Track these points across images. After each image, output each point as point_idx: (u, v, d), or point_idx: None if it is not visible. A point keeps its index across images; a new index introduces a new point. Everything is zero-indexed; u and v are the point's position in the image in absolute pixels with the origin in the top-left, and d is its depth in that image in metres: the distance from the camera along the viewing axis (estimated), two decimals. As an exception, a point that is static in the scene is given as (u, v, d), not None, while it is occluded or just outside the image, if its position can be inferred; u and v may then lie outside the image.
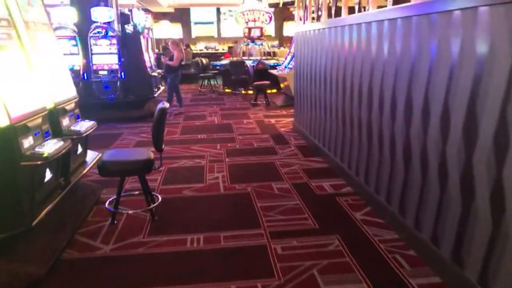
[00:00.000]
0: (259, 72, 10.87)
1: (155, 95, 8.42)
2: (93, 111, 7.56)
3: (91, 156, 3.74)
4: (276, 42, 19.67)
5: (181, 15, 19.92)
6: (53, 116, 3.00)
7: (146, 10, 13.22)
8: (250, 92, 11.03)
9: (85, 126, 3.37)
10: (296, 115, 6.76)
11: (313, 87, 5.53)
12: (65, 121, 3.20)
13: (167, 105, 3.33)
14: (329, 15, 5.04)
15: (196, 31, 20.56)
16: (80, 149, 3.42)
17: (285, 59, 10.24)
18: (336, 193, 3.90)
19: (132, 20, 8.10)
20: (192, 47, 19.26)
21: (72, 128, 3.23)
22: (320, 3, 5.33)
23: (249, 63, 11.08)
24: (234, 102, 9.84)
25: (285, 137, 6.23)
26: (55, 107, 3.01)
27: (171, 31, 19.74)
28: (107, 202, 3.54)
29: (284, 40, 21.05)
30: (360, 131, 3.78)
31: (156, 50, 14.86)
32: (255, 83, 9.13)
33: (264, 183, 4.18)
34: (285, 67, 9.36)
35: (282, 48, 19.00)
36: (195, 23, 20.47)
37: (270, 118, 7.79)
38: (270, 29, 19.26)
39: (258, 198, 3.78)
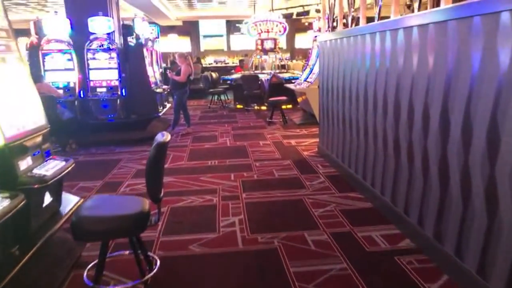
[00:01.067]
0: (274, 86, 9.98)
1: (160, 114, 7.56)
2: (90, 133, 6.78)
3: (69, 203, 2.83)
4: (288, 55, 18.86)
5: (189, 28, 19.27)
6: (4, 158, 2.11)
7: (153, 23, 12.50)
8: (264, 107, 10.15)
9: (55, 167, 2.46)
10: (321, 136, 5.82)
11: (344, 104, 4.60)
12: (25, 163, 2.30)
13: (167, 137, 2.43)
14: (366, 20, 4.13)
15: (205, 44, 19.87)
16: (49, 199, 2.51)
17: (303, 72, 9.34)
18: (393, 249, 2.92)
19: (134, 32, 7.30)
20: (201, 60, 18.55)
21: (36, 171, 2.33)
22: (354, 3, 4.43)
23: (263, 77, 10.22)
24: (247, 120, 8.94)
25: (310, 164, 5.28)
26: (6, 145, 2.12)
27: (179, 44, 19.07)
28: (87, 270, 2.62)
29: (296, 53, 20.26)
30: (414, 161, 2.83)
31: (164, 65, 14.16)
32: (271, 99, 8.23)
33: (294, 232, 3.23)
34: (304, 80, 8.45)
35: (294, 61, 18.20)
36: (204, 36, 19.79)
37: (289, 138, 6.86)
38: (281, 41, 18.50)
39: (289, 258, 2.82)
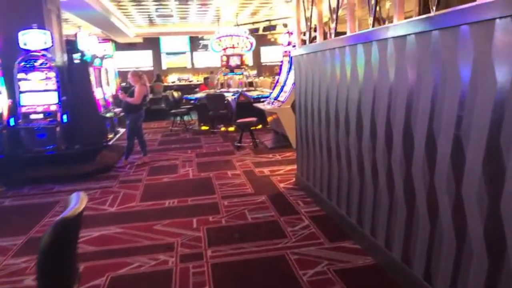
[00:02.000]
0: (242, 106, 9.16)
1: (111, 142, 6.52)
2: (22, 169, 5.64)
3: None
4: (254, 72, 18.22)
5: (150, 45, 18.28)
6: None
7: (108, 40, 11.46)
8: (231, 129, 9.29)
9: None
10: (299, 164, 5.00)
11: (328, 127, 3.80)
12: None
13: (81, 204, 1.50)
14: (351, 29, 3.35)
15: (167, 62, 18.90)
16: None
17: (272, 90, 8.57)
18: None
19: (78, 48, 6.27)
20: (165, 79, 17.55)
21: None
22: (338, 10, 3.68)
23: (229, 96, 9.38)
24: (213, 144, 8.02)
25: (289, 200, 4.42)
26: None
27: (140, 62, 18.03)
28: None
29: (262, 69, 19.67)
30: (439, 210, 2.03)
31: (123, 84, 13.11)
32: (239, 120, 7.37)
33: (279, 316, 2.33)
34: (274, 99, 7.68)
35: (261, 78, 17.55)
36: (167, 54, 18.84)
37: (262, 166, 5.99)
38: (247, 58, 17.86)
39: None
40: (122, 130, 7.24)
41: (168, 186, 5.21)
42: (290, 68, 7.58)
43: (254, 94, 9.77)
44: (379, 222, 2.90)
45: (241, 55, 10.64)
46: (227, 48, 10.55)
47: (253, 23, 13.43)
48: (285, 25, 12.64)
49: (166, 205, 4.48)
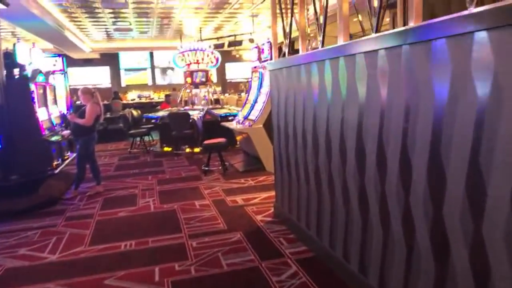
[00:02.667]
0: (208, 125, 8.49)
1: (58, 169, 5.63)
2: None
3: None
4: (219, 89, 17.65)
5: (108, 61, 17.27)
6: None
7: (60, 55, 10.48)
8: (197, 150, 8.57)
9: None
10: (278, 192, 4.37)
11: (315, 151, 3.21)
12: None
13: None
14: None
15: (126, 79, 17.93)
16: None
17: (242, 107, 7.97)
18: None
19: (16, 61, 5.40)
20: (124, 96, 16.56)
21: None
22: (326, 17, 3.14)
23: (194, 114, 8.69)
24: (177, 168, 7.25)
25: (269, 238, 3.77)
26: None
27: (97, 78, 16.98)
28: None
29: (227, 86, 19.13)
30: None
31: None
32: (206, 141, 6.68)
33: None
34: (244, 118, 7.06)
35: (226, 95, 16.98)
36: (126, 70, 17.88)
37: (234, 194, 5.31)
38: (212, 74, 17.28)
39: None
40: (73, 155, 6.35)
41: (125, 223, 4.41)
42: (260, 85, 7.03)
43: (221, 112, 9.13)
44: (392, 272, 2.30)
45: (206, 71, 10.01)
46: (191, 63, 9.88)
47: (217, 38, 12.88)
48: (251, 40, 12.17)
49: (122, 248, 3.69)
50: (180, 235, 3.93)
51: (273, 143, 4.41)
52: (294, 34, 3.91)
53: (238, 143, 8.57)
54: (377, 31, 2.44)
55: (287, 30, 3.85)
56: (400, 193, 2.17)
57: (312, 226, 3.43)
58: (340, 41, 2.77)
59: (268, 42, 6.59)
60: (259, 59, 7.10)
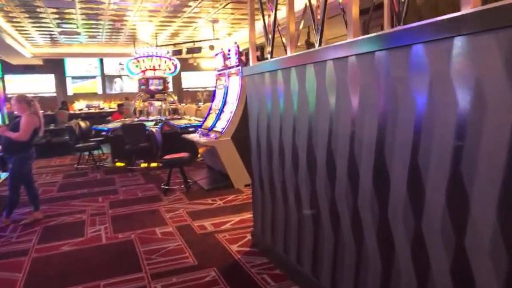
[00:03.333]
0: (166, 137, 7.70)
1: (-16, 193, 4.64)
2: None
3: None
4: (175, 98, 16.80)
5: (53, 68, 15.88)
6: None
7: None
8: (154, 164, 7.76)
9: None
10: (258, 218, 3.73)
11: (308, 169, 2.63)
12: None
13: None
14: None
15: (74, 87, 16.58)
16: None
17: (205, 118, 7.27)
18: None
19: None
20: (71, 106, 15.23)
21: None
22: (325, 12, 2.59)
23: (150, 125, 7.89)
24: (132, 187, 6.40)
25: (251, 275, 3.12)
26: None
27: (40, 86, 15.57)
28: None
29: (183, 95, 18.30)
30: None
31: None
32: (167, 157, 5.92)
33: None
34: (209, 129, 6.38)
35: (183, 104, 16.17)
36: (73, 78, 16.54)
37: (201, 218, 4.61)
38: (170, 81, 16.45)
39: None
40: (5, 175, 5.35)
41: (70, 261, 3.57)
42: (226, 93, 6.40)
43: (180, 123, 8.38)
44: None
45: (163, 78, 9.22)
46: (146, 70, 9.05)
47: (174, 44, 12.11)
48: (211, 47, 11.54)
49: (64, 299, 2.88)
50: (140, 275, 3.18)
51: (251, 158, 3.78)
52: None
53: (199, 156, 7.88)
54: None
55: (270, 28, 3.26)
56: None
57: (305, 260, 2.83)
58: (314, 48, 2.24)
59: (235, 46, 5.99)
60: (225, 65, 6.48)
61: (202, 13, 9.95)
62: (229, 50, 6.18)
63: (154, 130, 5.96)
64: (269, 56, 3.30)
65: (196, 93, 18.96)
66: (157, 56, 9.07)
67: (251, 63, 3.58)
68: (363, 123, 2.08)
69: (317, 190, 2.58)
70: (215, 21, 10.81)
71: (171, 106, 9.34)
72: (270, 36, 3.23)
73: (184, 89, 18.72)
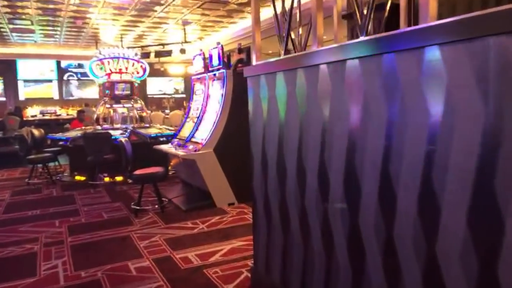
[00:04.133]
0: (134, 149, 6.82)
1: None
2: None
3: None
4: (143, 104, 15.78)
5: (2, 70, 14.44)
6: None
7: None
8: (119, 178, 6.89)
9: None
10: (260, 250, 3.02)
11: (327, 188, 1.99)
12: None
13: None
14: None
15: (27, 92, 15.17)
16: None
17: (181, 126, 6.48)
18: None
19: None
20: (24, 112, 13.83)
21: None
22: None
23: (116, 134, 7.01)
24: (96, 206, 5.50)
25: (261, 331, 2.42)
26: None
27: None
28: None
29: (148, 102, 17.30)
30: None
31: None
32: (138, 172, 5.10)
33: None
34: (187, 140, 5.62)
35: (149, 112, 15.19)
36: (25, 81, 15.14)
37: (183, 247, 3.84)
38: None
39: None
40: None
41: (15, 314, 2.71)
42: (206, 100, 5.68)
43: (150, 132, 7.54)
44: None
45: (130, 83, 8.34)
46: (112, 73, 8.14)
47: (141, 47, 11.25)
48: (182, 51, 10.77)
49: None
50: (113, 336, 2.40)
51: (254, 179, 3.08)
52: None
53: (170, 168, 7.09)
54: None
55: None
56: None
57: (336, 315, 2.18)
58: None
59: (218, 47, 5.31)
60: (205, 67, 5.77)
61: (173, 13, 9.22)
62: (213, 49, 5.49)
63: (123, 140, 5.13)
64: (282, 52, 2.65)
65: (162, 100, 18.06)
66: (124, 58, 8.19)
67: (254, 62, 2.91)
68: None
69: (359, 225, 1.94)
70: (186, 22, 10.09)
71: (139, 113, 8.45)
72: (285, 25, 2.59)
73: (149, 96, 17.75)
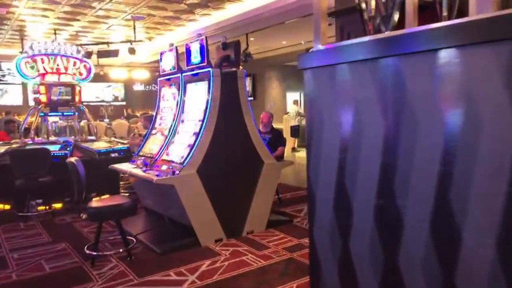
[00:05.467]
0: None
1: None
2: None
3: None
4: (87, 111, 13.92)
5: None
6: None
7: None
8: (58, 205, 5.44)
9: None
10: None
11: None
12: None
13: None
14: None
15: None
16: None
17: (145, 139, 5.11)
18: None
19: None
20: None
21: None
22: None
23: (55, 149, 5.51)
24: (31, 251, 4.02)
25: None
26: None
27: None
28: None
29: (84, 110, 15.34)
30: None
31: None
32: (95, 204, 3.75)
33: None
34: (155, 159, 4.35)
35: (84, 121, 13.35)
36: None
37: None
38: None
39: None
40: None
41: None
42: (182, 106, 4.48)
43: (98, 146, 6.09)
44: None
45: (71, 86, 6.81)
46: (47, 73, 6.54)
47: (81, 45, 9.62)
48: (131, 51, 9.33)
49: None
50: None
51: (312, 216, 2.01)
52: None
53: (122, 189, 5.77)
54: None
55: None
56: None
57: None
58: None
59: (200, 40, 4.16)
60: (178, 67, 4.57)
61: (120, 5, 7.87)
62: (191, 42, 4.34)
63: (73, 160, 3.76)
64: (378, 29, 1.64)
65: (100, 108, 16.22)
66: (64, 56, 6.64)
67: (320, 46, 1.86)
68: None
69: None
70: (136, 18, 8.73)
71: (82, 124, 6.92)
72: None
73: (84, 103, 15.80)
